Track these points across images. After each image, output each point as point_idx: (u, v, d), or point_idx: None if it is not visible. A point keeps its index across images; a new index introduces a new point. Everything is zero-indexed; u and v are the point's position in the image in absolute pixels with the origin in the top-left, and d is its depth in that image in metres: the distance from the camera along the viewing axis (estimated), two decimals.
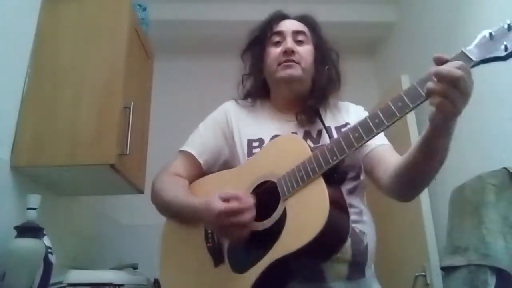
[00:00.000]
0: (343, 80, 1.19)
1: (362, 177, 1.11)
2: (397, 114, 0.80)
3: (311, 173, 0.88)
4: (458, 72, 0.72)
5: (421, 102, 0.78)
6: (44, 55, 1.61)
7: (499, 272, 1.50)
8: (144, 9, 2.12)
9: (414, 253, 2.28)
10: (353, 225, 0.93)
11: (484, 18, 2.02)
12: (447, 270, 1.74)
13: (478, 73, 0.78)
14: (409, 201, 1.04)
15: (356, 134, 0.85)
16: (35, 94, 1.55)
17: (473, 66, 0.77)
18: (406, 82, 2.48)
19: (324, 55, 1.19)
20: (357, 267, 0.98)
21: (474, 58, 0.76)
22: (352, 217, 0.93)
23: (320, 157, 0.88)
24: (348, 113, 1.18)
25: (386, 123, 0.82)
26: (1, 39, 1.43)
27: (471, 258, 1.59)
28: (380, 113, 0.83)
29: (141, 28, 1.99)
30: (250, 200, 0.92)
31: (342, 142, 0.87)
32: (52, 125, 1.52)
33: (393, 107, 0.81)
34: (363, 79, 3.20)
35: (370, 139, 0.85)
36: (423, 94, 0.77)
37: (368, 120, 0.84)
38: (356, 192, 1.07)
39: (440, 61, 0.76)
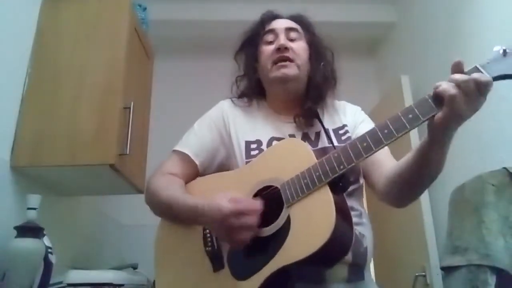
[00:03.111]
0: (339, 78, 1.16)
1: (361, 180, 1.09)
2: (408, 126, 0.79)
3: (316, 181, 0.85)
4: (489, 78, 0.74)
5: (433, 116, 0.77)
6: (44, 55, 1.61)
7: (499, 272, 1.50)
8: (144, 9, 2.12)
9: (414, 253, 2.27)
10: (354, 227, 0.92)
11: (484, 18, 2.02)
12: (447, 270, 1.74)
13: None
14: (403, 208, 1.04)
15: (365, 144, 0.83)
16: (35, 94, 1.56)
17: None
18: (406, 82, 2.48)
19: (319, 52, 1.16)
20: (356, 270, 0.98)
21: (488, 74, 0.76)
22: (353, 219, 0.92)
23: (326, 165, 0.86)
24: (345, 114, 1.17)
25: (396, 134, 0.80)
26: (1, 39, 1.43)
27: (471, 258, 1.58)
28: (389, 124, 0.81)
29: (141, 28, 1.99)
30: (258, 203, 0.90)
31: (350, 151, 0.84)
32: (52, 125, 1.52)
33: (403, 119, 0.79)
34: (363, 79, 3.20)
35: (378, 149, 0.82)
36: (435, 107, 0.77)
37: (377, 130, 0.82)
38: (355, 194, 1.06)
39: (457, 68, 0.77)
